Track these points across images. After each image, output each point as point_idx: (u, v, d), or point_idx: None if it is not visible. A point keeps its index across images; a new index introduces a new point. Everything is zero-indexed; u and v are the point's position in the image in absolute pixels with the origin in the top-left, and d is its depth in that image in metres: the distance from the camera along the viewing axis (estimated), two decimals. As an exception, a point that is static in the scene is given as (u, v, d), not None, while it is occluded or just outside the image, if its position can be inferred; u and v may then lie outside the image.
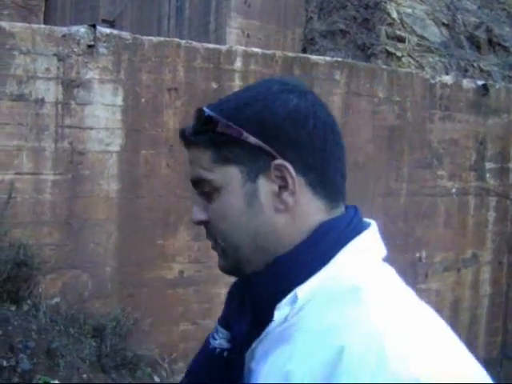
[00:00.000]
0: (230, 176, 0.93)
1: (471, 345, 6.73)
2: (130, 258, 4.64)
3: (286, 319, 0.88)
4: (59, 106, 4.47)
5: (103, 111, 4.54)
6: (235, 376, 0.96)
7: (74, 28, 4.54)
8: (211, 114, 0.93)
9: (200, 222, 0.98)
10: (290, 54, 5.50)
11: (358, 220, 0.97)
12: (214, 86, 4.94)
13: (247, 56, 5.11)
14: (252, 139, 0.91)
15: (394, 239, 6.04)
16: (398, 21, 7.89)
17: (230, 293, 1.07)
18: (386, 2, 7.85)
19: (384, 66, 6.42)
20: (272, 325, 0.89)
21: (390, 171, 5.96)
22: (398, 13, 7.91)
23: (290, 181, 0.91)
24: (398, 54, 7.76)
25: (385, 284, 0.90)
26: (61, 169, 4.48)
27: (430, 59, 7.94)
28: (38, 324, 4.07)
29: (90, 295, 4.53)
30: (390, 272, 0.95)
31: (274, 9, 8.40)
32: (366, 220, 0.99)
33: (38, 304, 4.21)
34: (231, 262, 0.97)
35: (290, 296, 0.88)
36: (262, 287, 0.93)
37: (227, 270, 0.99)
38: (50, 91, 4.44)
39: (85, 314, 4.37)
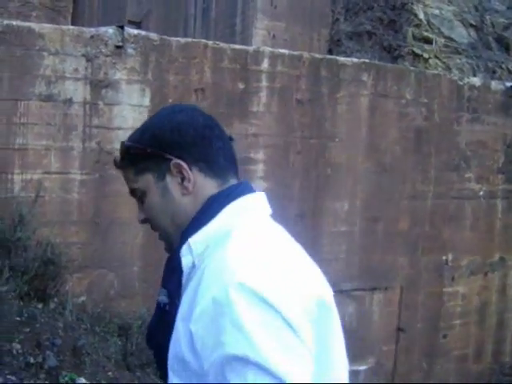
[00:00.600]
0: (147, 181, 1.33)
1: (498, 349, 6.66)
2: (156, 258, 4.65)
3: (194, 265, 1.23)
4: (87, 106, 4.50)
5: (130, 112, 4.56)
6: (171, 319, 1.24)
7: (103, 29, 4.58)
8: (126, 143, 1.34)
9: (143, 221, 1.38)
10: (317, 56, 5.48)
11: (241, 189, 1.31)
12: (241, 86, 4.95)
13: (274, 57, 5.11)
14: (153, 151, 1.30)
15: (421, 242, 5.99)
16: (425, 22, 7.82)
17: (166, 261, 1.36)
18: (412, 3, 7.80)
19: (411, 68, 6.37)
20: (184, 271, 1.24)
21: (417, 173, 5.92)
22: (425, 14, 7.85)
23: (185, 173, 1.29)
24: (425, 55, 7.70)
25: (253, 228, 1.24)
26: (88, 168, 4.51)
27: (458, 61, 7.86)
28: (65, 322, 4.11)
29: (116, 294, 4.56)
30: (269, 223, 1.30)
31: (300, 10, 8.39)
32: (254, 190, 1.33)
33: (65, 302, 4.24)
34: (168, 243, 1.35)
35: (185, 245, 1.24)
36: (177, 252, 1.26)
37: (168, 250, 1.35)
38: (78, 91, 4.48)
39: (111, 313, 4.39)
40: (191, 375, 1.14)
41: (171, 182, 1.31)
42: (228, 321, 1.06)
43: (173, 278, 1.28)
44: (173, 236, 1.32)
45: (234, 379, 1.04)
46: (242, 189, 1.32)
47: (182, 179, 1.30)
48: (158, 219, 1.34)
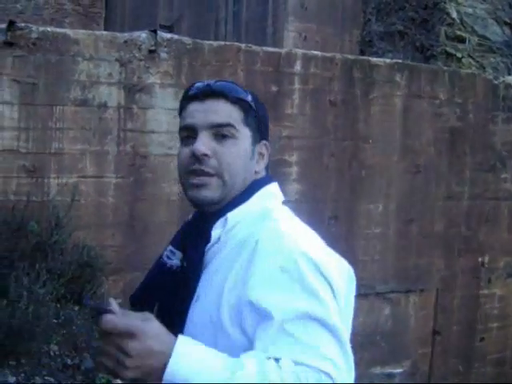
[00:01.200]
0: (246, 135, 1.37)
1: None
2: (190, 261, 4.67)
3: (219, 239, 1.31)
4: (121, 110, 4.54)
5: (164, 115, 4.59)
6: (191, 285, 1.32)
7: (136, 33, 4.61)
8: (248, 96, 1.39)
9: (203, 155, 1.32)
10: (350, 57, 5.45)
11: (269, 178, 1.44)
12: (274, 89, 4.94)
13: (307, 59, 5.09)
14: (262, 120, 1.41)
15: (456, 244, 5.92)
16: (458, 21, 7.72)
17: (187, 226, 1.44)
18: (445, 2, 7.71)
19: (445, 68, 6.30)
20: (210, 243, 1.31)
21: (452, 174, 5.84)
22: (458, 13, 7.75)
23: (265, 155, 1.42)
24: (458, 54, 7.61)
25: (282, 210, 1.38)
26: (123, 172, 4.55)
27: (492, 59, 7.75)
28: (101, 324, 4.14)
29: (151, 297, 4.58)
30: (284, 206, 1.41)
31: (331, 11, 8.36)
32: (275, 180, 1.45)
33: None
34: (221, 195, 1.33)
35: (222, 219, 1.31)
36: (209, 223, 1.32)
37: (212, 200, 1.33)
38: (112, 96, 4.52)
39: (146, 315, 4.41)
40: (223, 339, 1.23)
41: (255, 154, 1.40)
42: (299, 286, 1.17)
43: (197, 245, 1.34)
44: (233, 193, 1.35)
45: (302, 334, 1.13)
46: (270, 178, 1.45)
47: (260, 159, 1.41)
48: (237, 171, 1.35)
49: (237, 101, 1.36)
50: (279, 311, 1.14)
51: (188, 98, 1.41)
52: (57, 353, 3.88)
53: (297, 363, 1.09)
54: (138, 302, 1.46)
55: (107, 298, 1.11)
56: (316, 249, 1.25)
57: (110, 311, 1.09)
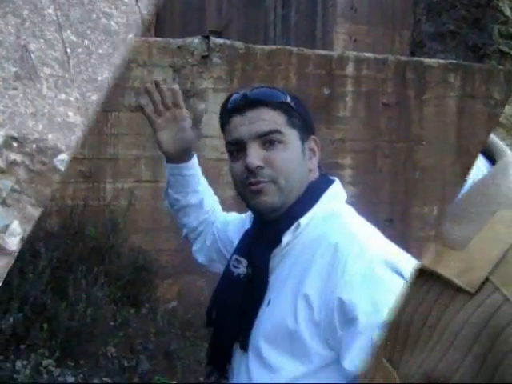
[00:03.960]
0: (294, 136, 1.35)
1: None
2: (243, 264, 4.69)
3: (287, 244, 1.31)
4: (175, 115, 4.59)
5: (217, 120, 4.59)
6: (257, 290, 1.32)
7: (189, 39, 4.66)
8: (288, 97, 1.37)
9: (257, 167, 1.30)
10: (403, 58, 5.40)
11: (331, 179, 1.44)
12: (326, 92, 4.92)
13: (359, 61, 5.06)
14: (306, 117, 1.39)
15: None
16: (512, 19, 7.56)
17: (246, 234, 1.46)
18: (498, 0, 7.55)
19: (500, 67, 6.17)
20: (278, 247, 1.32)
21: (508, 176, 5.72)
22: (512, 10, 7.59)
23: (316, 150, 1.41)
24: (513, 53, 7.44)
25: (349, 211, 1.38)
26: (177, 176, 4.59)
27: (548, 57, 7.56)
28: (156, 327, 4.19)
29: (206, 300, 4.60)
30: (349, 206, 1.42)
31: (380, 13, 8.29)
32: (332, 178, 1.45)
33: (156, 308, 4.33)
34: (280, 200, 1.32)
35: (294, 225, 1.31)
36: (277, 227, 1.33)
37: (272, 205, 1.32)
38: (166, 101, 4.57)
39: (201, 319, 4.45)
40: (298, 345, 1.22)
41: (306, 151, 1.39)
42: (381, 290, 1.16)
43: (263, 250, 1.35)
44: (292, 196, 1.33)
45: None
46: (328, 178, 1.44)
47: (312, 156, 1.40)
48: (292, 174, 1.33)
49: (277, 105, 1.35)
50: (366, 324, 1.14)
51: (228, 112, 1.44)
52: (114, 354, 3.95)
53: None
54: (211, 314, 1.46)
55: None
56: (393, 253, 1.25)
57: None
